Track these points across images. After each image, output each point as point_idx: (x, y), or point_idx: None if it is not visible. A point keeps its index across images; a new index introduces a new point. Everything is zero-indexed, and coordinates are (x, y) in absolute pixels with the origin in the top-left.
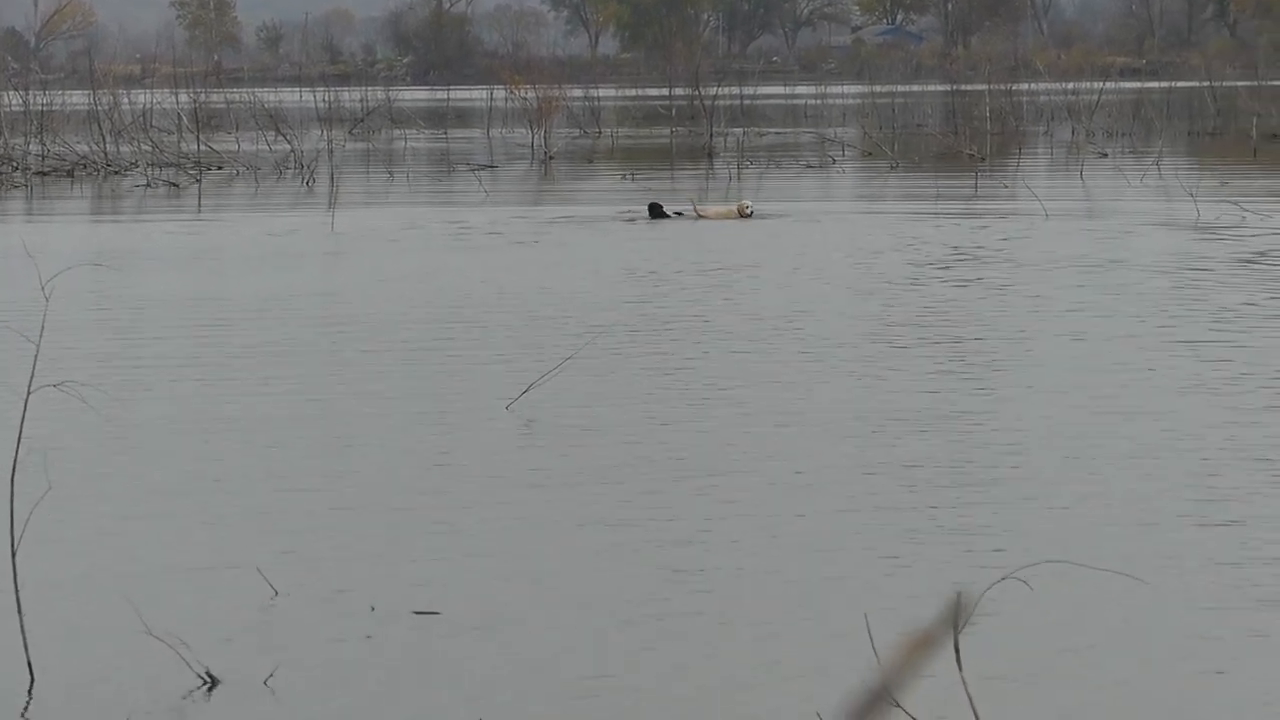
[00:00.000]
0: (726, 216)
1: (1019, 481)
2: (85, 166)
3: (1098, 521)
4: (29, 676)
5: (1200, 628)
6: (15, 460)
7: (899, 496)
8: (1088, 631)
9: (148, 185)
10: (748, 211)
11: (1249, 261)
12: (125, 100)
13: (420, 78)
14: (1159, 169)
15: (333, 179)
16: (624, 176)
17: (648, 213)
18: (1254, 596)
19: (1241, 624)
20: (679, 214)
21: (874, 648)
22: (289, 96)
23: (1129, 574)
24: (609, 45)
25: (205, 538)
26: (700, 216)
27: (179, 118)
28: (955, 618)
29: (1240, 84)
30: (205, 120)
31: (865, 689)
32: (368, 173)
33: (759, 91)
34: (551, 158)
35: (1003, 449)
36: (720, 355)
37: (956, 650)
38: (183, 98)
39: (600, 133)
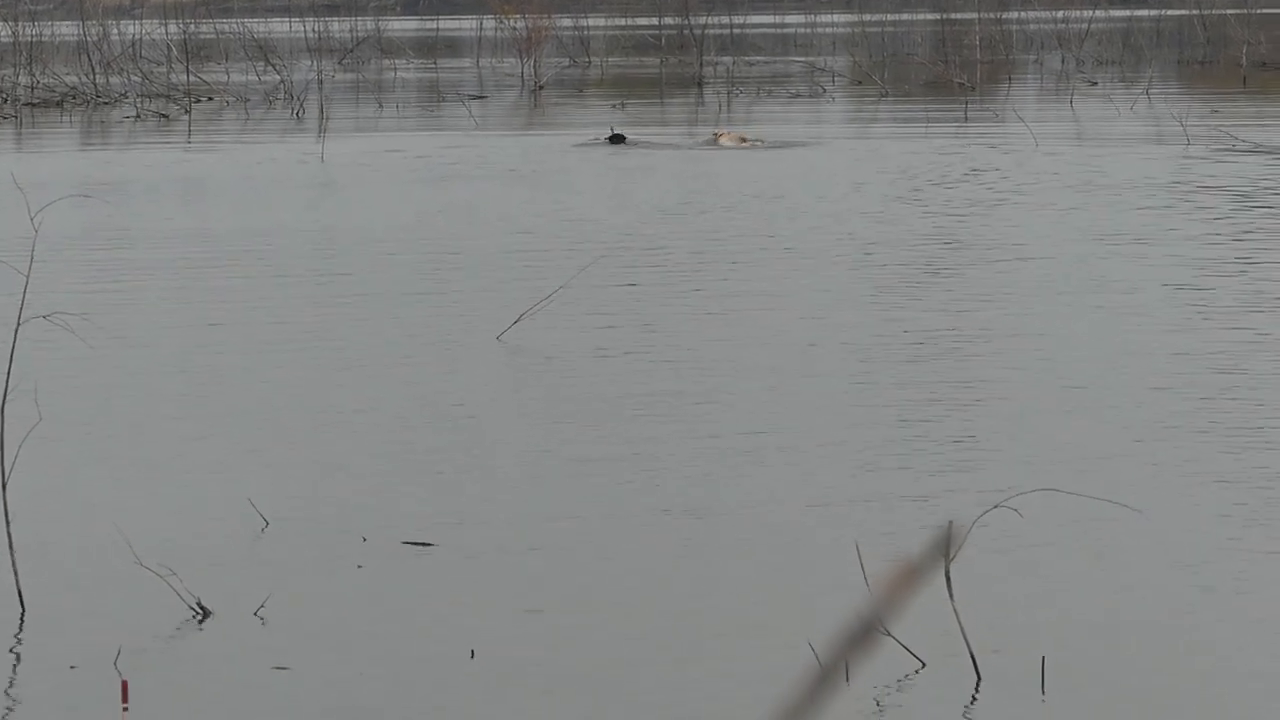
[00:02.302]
0: (739, 145)
1: (1011, 408)
2: (75, 98)
3: (1090, 448)
4: (20, 607)
5: (1193, 554)
6: (5, 391)
7: (890, 422)
8: (1079, 559)
9: (137, 116)
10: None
11: (1238, 187)
12: (115, 31)
13: (410, 7)
14: (1149, 97)
15: (322, 109)
16: (614, 106)
17: (610, 139)
18: (1248, 522)
19: (1234, 549)
20: (627, 139)
21: (865, 576)
22: (278, 27)
23: (1121, 501)
24: None
25: (196, 468)
26: (719, 142)
27: (168, 48)
28: (946, 547)
29: (1230, 12)
30: (195, 51)
31: (856, 618)
32: (357, 103)
33: (749, 20)
34: (541, 87)
35: (994, 375)
36: (713, 283)
37: (947, 579)
38: (172, 28)
39: (590, 62)
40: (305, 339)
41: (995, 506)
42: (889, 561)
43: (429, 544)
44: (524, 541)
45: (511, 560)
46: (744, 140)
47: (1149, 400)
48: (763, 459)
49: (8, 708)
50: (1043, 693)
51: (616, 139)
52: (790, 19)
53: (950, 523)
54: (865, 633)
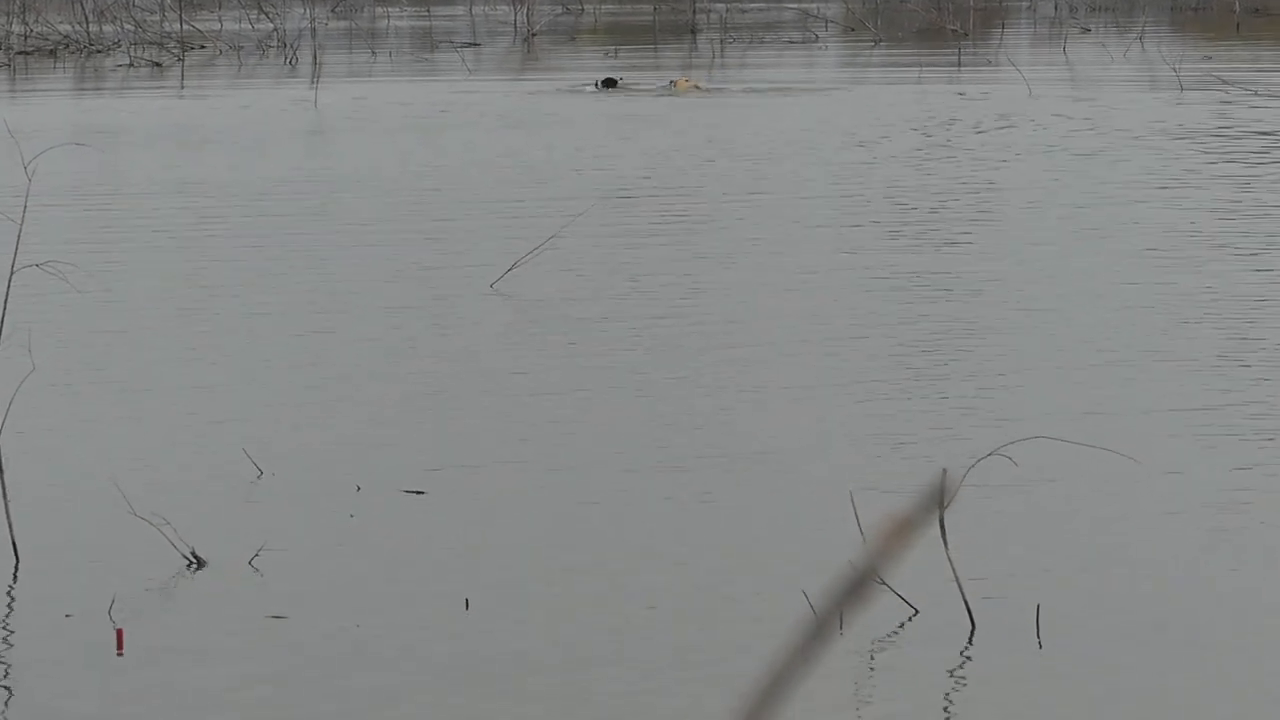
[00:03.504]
0: (691, 90)
1: (1007, 355)
2: (67, 46)
3: (1088, 396)
4: (14, 557)
5: (1190, 501)
6: None
7: (886, 370)
8: (1074, 507)
9: (130, 65)
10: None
11: (1233, 132)
12: None
13: None
14: (1142, 44)
15: (315, 57)
16: (607, 53)
17: (601, 84)
18: (1247, 469)
19: (1233, 497)
20: (620, 80)
21: (859, 526)
22: None
23: (1118, 451)
24: None
25: (190, 418)
26: (677, 89)
27: None
28: (940, 495)
29: None
30: None
31: (851, 569)
32: (350, 51)
33: None
34: (534, 35)
35: (990, 322)
36: (707, 229)
37: (942, 528)
38: None
39: (582, 9)
40: (299, 288)
41: (990, 454)
42: (884, 512)
43: (422, 492)
44: (519, 489)
45: (506, 508)
46: (698, 87)
47: (1151, 348)
48: (758, 407)
49: (3, 658)
50: (1038, 640)
51: (609, 84)
52: None
53: (944, 470)
54: (860, 584)
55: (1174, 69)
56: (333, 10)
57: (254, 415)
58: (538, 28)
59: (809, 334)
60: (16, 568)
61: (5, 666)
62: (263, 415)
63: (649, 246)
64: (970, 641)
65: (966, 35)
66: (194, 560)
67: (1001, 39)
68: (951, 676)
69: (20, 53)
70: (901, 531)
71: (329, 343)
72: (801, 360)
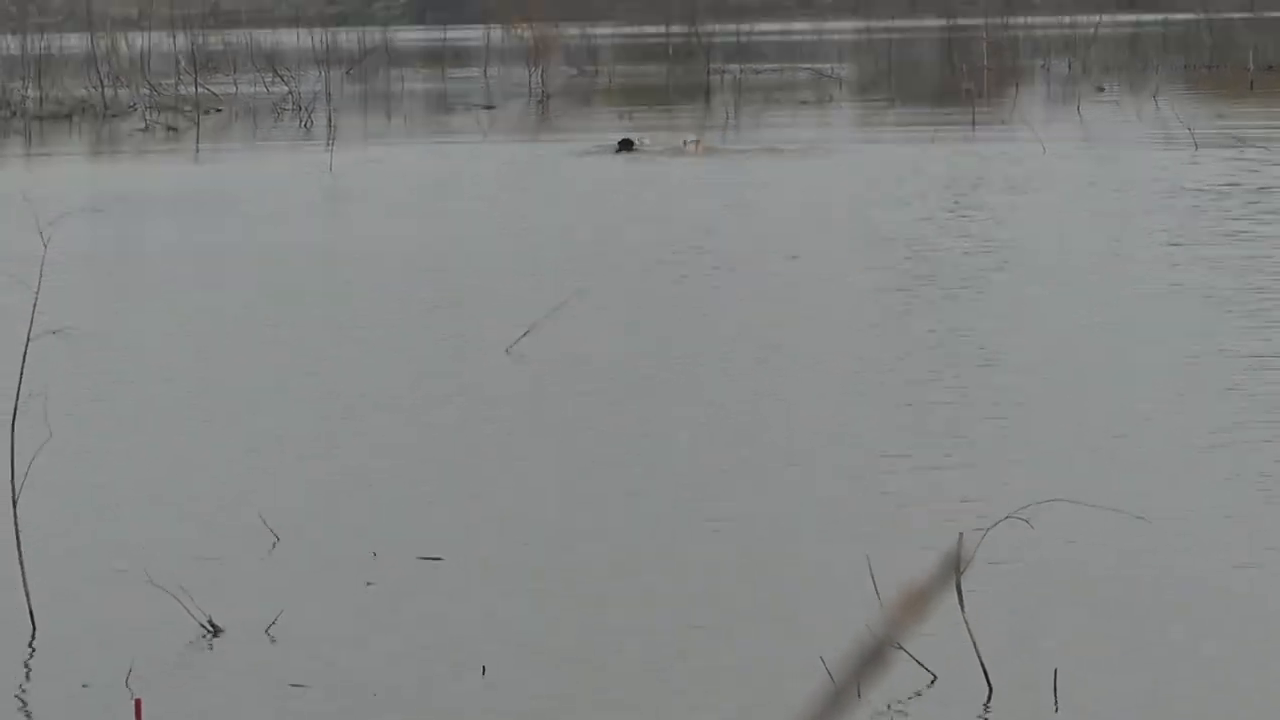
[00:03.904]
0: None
1: (1024, 417)
2: (83, 110)
3: (1100, 458)
4: (30, 625)
5: (1204, 566)
6: (15, 407)
7: (903, 432)
8: (1090, 570)
9: (146, 128)
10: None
11: (1248, 189)
12: (123, 43)
13: (418, 18)
14: (1156, 102)
15: (330, 120)
16: (621, 115)
17: (617, 146)
18: (1261, 536)
19: (1247, 562)
20: (643, 141)
21: (876, 589)
22: (286, 38)
23: (1131, 512)
24: None
25: (206, 485)
26: (692, 149)
27: (177, 60)
28: (957, 560)
29: (1236, 16)
30: (203, 62)
31: (869, 635)
32: (365, 113)
33: (755, 28)
34: (549, 97)
35: (1007, 383)
36: (722, 291)
37: (958, 591)
38: (180, 40)
39: (598, 71)
40: (315, 353)
41: (1005, 518)
42: (902, 578)
43: (439, 558)
44: (535, 555)
45: (521, 575)
46: (699, 144)
47: (1164, 407)
48: (774, 471)
49: None
50: (1055, 703)
51: (625, 145)
52: (797, 27)
53: (961, 535)
54: (878, 651)
55: (1188, 127)
56: (348, 73)
57: (270, 482)
58: (553, 90)
59: (827, 396)
60: (34, 636)
61: None
62: (279, 482)
63: (666, 308)
64: (987, 706)
65: (981, 95)
66: (211, 628)
67: (1016, 99)
68: None
69: (36, 117)
70: (919, 599)
71: (345, 408)
72: (819, 423)
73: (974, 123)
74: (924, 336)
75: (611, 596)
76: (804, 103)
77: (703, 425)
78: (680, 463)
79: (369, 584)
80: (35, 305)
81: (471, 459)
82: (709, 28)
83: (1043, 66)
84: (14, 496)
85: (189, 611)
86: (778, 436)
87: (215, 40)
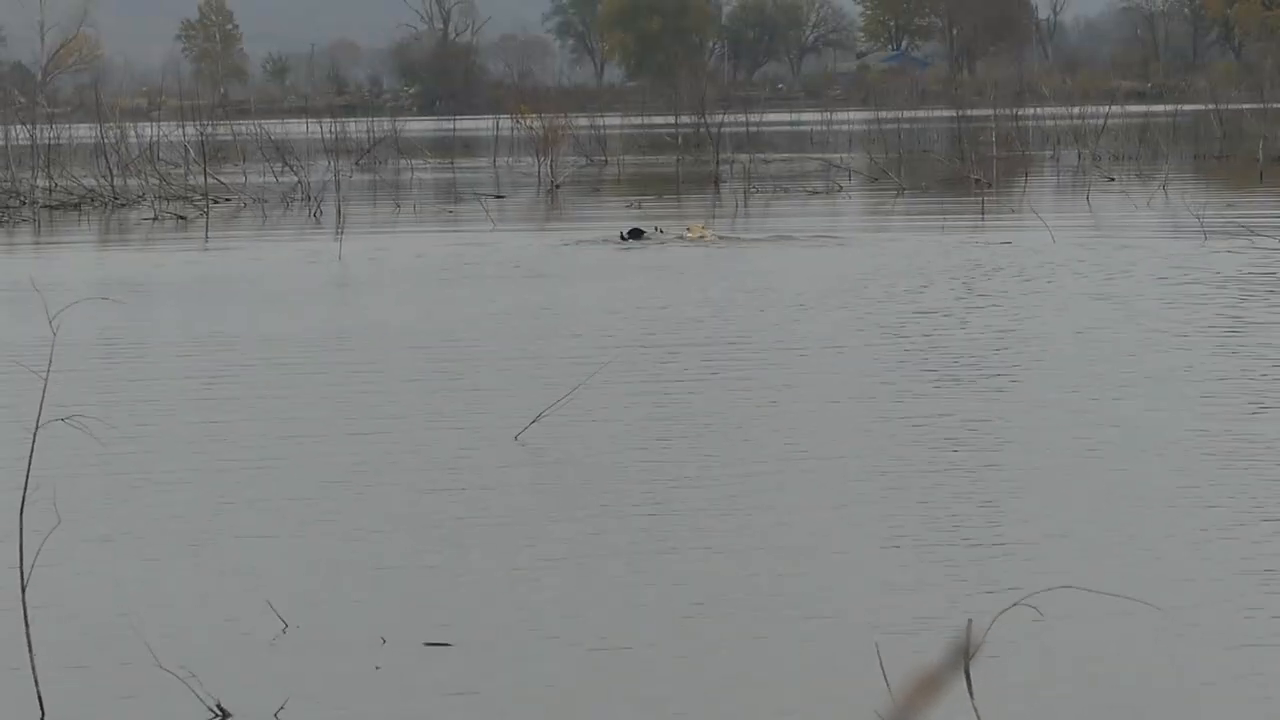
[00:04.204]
0: (702, 235)
1: (1035, 503)
2: (92, 200)
3: (1112, 544)
4: (39, 711)
5: (1219, 654)
6: (24, 495)
7: (912, 517)
8: (1100, 658)
9: (155, 218)
10: (706, 235)
11: (1257, 280)
12: (132, 133)
13: (426, 108)
14: (1165, 192)
15: (339, 210)
16: (630, 204)
17: (628, 235)
18: (1270, 622)
19: (1264, 650)
20: (658, 230)
21: (885, 676)
22: (295, 128)
23: (1144, 600)
24: (614, 74)
25: (214, 571)
26: (695, 236)
27: (186, 150)
28: (966, 648)
29: (1246, 107)
30: (212, 152)
31: None
32: (374, 203)
33: (765, 118)
34: (558, 186)
35: (1015, 470)
36: (732, 381)
37: (968, 678)
38: (189, 130)
39: (607, 161)
40: (323, 439)
41: (1015, 604)
42: (910, 665)
43: (447, 644)
44: (542, 643)
45: (530, 661)
46: (706, 235)
47: (1174, 494)
48: (781, 557)
49: None
50: None
51: (634, 234)
52: (806, 117)
53: (970, 621)
54: None
55: (1197, 217)
56: (357, 163)
57: (278, 568)
58: (562, 179)
59: (833, 482)
60: None
61: None
62: (287, 567)
63: (676, 399)
64: None
65: (990, 185)
66: (219, 713)
67: (1025, 188)
68: None
69: (45, 206)
70: (929, 687)
71: (353, 495)
72: (828, 508)
73: (983, 212)
74: (932, 424)
75: (617, 685)
76: (814, 192)
77: (712, 513)
78: (689, 551)
79: (377, 669)
80: (44, 392)
81: (480, 546)
82: (718, 118)
83: (1052, 156)
84: (23, 583)
85: (198, 696)
86: (786, 523)
87: (224, 130)
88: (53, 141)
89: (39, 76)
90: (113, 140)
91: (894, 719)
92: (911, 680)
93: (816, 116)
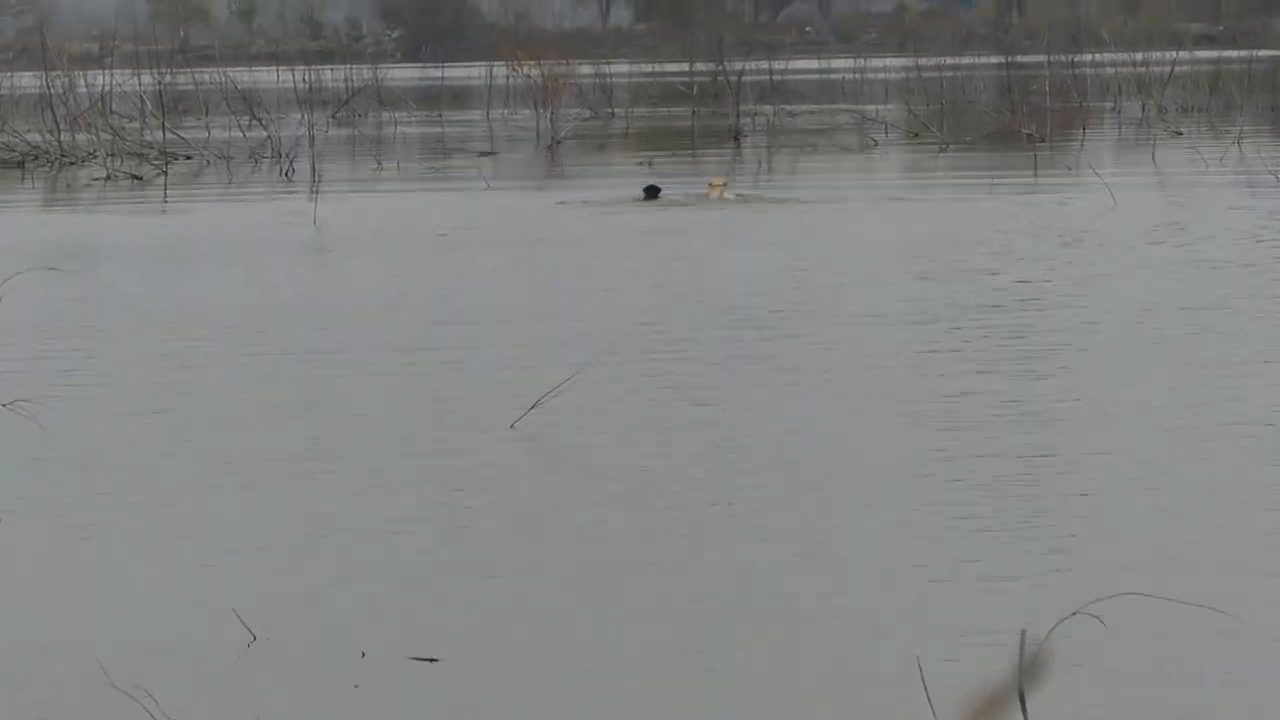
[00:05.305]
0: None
1: (1094, 495)
2: (38, 157)
3: (1181, 544)
4: None
5: None
6: None
7: (958, 513)
8: (1169, 673)
9: (108, 177)
10: (726, 194)
11: None
12: (81, 83)
13: (411, 54)
14: (1239, 148)
15: (314, 168)
16: (641, 162)
17: (643, 195)
18: None
19: None
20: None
21: (928, 695)
22: (265, 77)
23: (1217, 608)
24: (621, 15)
25: (174, 575)
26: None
27: (142, 101)
28: (1022, 664)
29: None
30: (171, 104)
31: None
32: (354, 160)
33: (790, 66)
34: (559, 142)
35: (1075, 457)
36: (752, 360)
37: (1021, 700)
38: (146, 79)
39: (614, 113)
40: (297, 428)
41: (1074, 613)
42: (955, 683)
43: (434, 659)
44: (536, 655)
45: (524, 676)
46: (729, 194)
47: (1252, 489)
48: (809, 560)
49: None
50: None
51: (651, 192)
52: (837, 64)
53: (1023, 632)
54: None
55: (1275, 175)
56: (333, 116)
57: (246, 572)
58: (563, 134)
59: (871, 479)
60: None
61: None
62: (256, 572)
63: (691, 378)
64: None
65: (1043, 140)
66: None
67: (1082, 144)
68: None
69: None
70: (988, 710)
71: (331, 491)
72: (862, 504)
73: (1035, 171)
74: (981, 413)
75: (620, 702)
76: (846, 148)
77: (729, 515)
78: (702, 550)
79: (356, 686)
80: None
81: (471, 549)
82: (738, 65)
83: (1112, 108)
84: None
85: (153, 716)
86: (815, 521)
87: (184, 79)
88: None
89: None
90: (60, 91)
91: None
92: (968, 703)
93: (848, 64)
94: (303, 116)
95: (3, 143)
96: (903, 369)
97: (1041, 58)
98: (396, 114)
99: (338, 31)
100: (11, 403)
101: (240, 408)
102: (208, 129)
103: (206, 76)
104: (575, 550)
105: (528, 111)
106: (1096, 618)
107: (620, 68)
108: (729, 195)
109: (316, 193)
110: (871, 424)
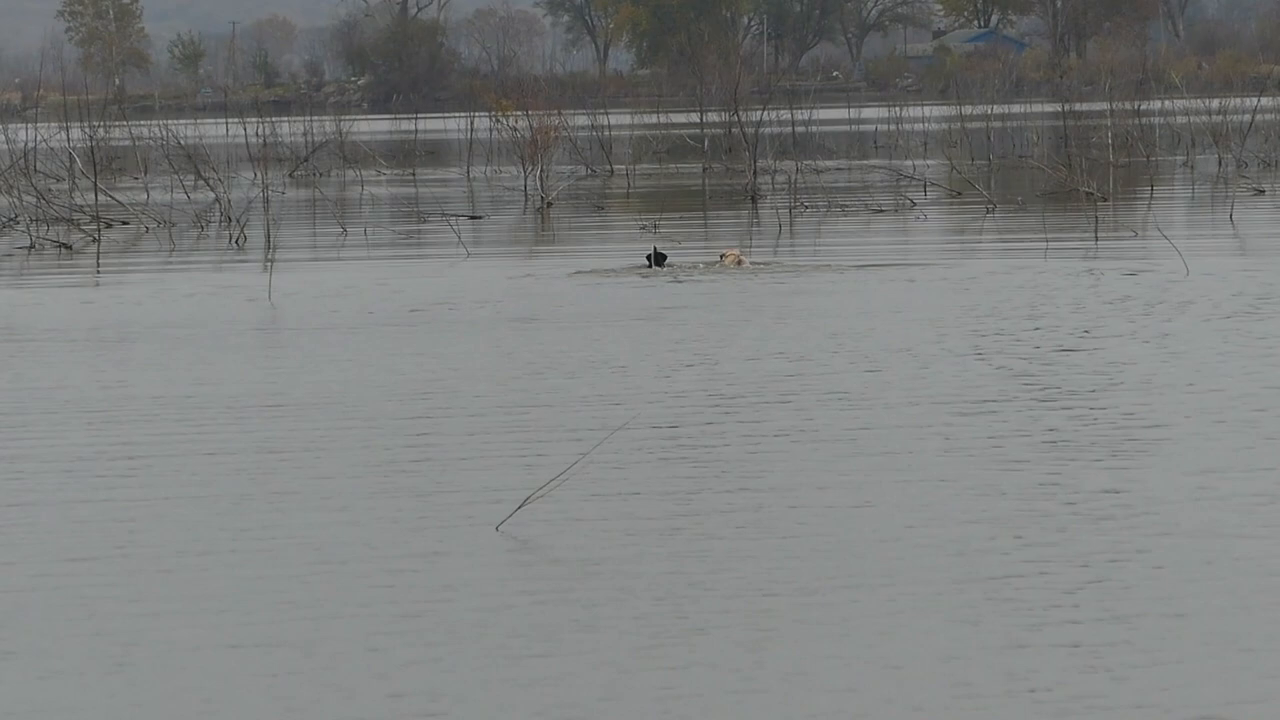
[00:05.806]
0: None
1: (1159, 602)
2: None
3: (1261, 661)
4: None
5: None
6: None
7: (1024, 627)
8: None
9: (31, 246)
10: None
11: None
12: (1, 138)
13: (380, 104)
14: None
15: (269, 235)
16: (644, 227)
17: (647, 263)
18: None
19: None
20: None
21: None
22: (212, 130)
23: None
24: (622, 59)
25: (126, 699)
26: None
27: (71, 159)
28: None
29: None
30: (105, 162)
31: None
32: (314, 226)
33: (815, 116)
34: (550, 204)
35: (1134, 559)
36: (773, 447)
37: None
38: (75, 134)
39: (613, 171)
40: (254, 527)
41: None
42: None
43: None
44: None
45: None
46: (740, 261)
47: None
48: (815, 656)
49: None
50: None
51: (657, 260)
52: (869, 113)
53: None
54: None
55: None
56: (290, 174)
57: (214, 684)
58: (555, 194)
59: (922, 577)
60: None
61: None
62: (223, 689)
63: (701, 477)
64: None
65: (1105, 199)
66: None
67: (1150, 204)
68: None
69: None
70: None
71: (299, 597)
72: (910, 611)
73: (1097, 234)
74: (1045, 506)
75: None
76: (879, 210)
77: (757, 633)
78: (710, 678)
79: None
80: None
81: (456, 655)
82: (755, 116)
83: (1184, 163)
84: None
85: None
86: (833, 640)
87: (120, 134)
88: None
89: None
90: None
91: None
92: None
93: (881, 113)
94: (256, 176)
95: None
96: (948, 458)
97: (1103, 105)
98: (363, 172)
99: (295, 79)
100: None
101: (187, 515)
102: (146, 190)
103: (145, 130)
104: (565, 658)
105: (514, 169)
106: None
107: (620, 119)
108: (746, 263)
109: (271, 263)
110: (923, 527)
